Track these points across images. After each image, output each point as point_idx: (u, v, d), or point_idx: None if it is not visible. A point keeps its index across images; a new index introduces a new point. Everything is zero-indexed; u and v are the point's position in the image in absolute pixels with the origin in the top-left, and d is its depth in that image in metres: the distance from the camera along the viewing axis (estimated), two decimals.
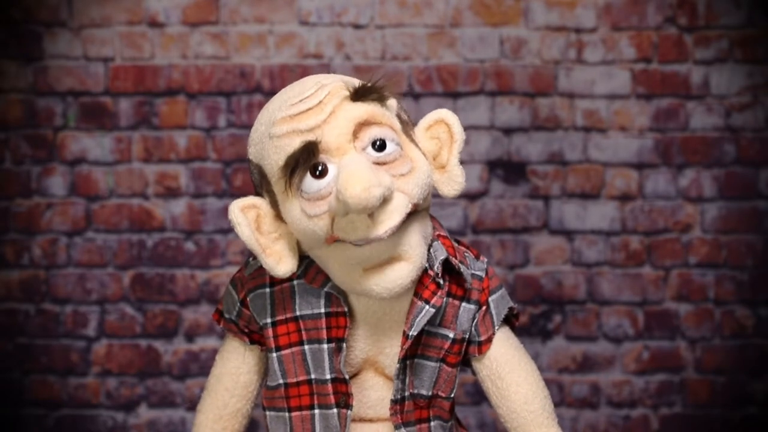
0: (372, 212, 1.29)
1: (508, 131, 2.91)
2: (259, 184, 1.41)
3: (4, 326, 2.91)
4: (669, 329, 2.92)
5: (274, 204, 1.39)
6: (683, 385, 2.91)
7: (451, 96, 2.89)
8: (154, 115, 2.92)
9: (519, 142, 2.91)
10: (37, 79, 2.91)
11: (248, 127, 2.88)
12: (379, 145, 1.34)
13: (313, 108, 1.34)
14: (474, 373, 1.52)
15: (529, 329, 2.90)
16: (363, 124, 1.34)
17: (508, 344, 1.50)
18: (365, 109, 1.35)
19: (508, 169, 2.91)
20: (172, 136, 2.92)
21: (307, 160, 1.32)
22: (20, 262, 2.92)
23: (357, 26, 2.92)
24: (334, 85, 1.37)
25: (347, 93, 1.36)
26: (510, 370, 1.48)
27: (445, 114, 1.43)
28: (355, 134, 1.34)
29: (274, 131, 1.35)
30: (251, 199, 1.39)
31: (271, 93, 2.69)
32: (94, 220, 2.92)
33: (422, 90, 2.88)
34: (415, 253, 1.36)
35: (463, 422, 1.66)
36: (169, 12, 2.91)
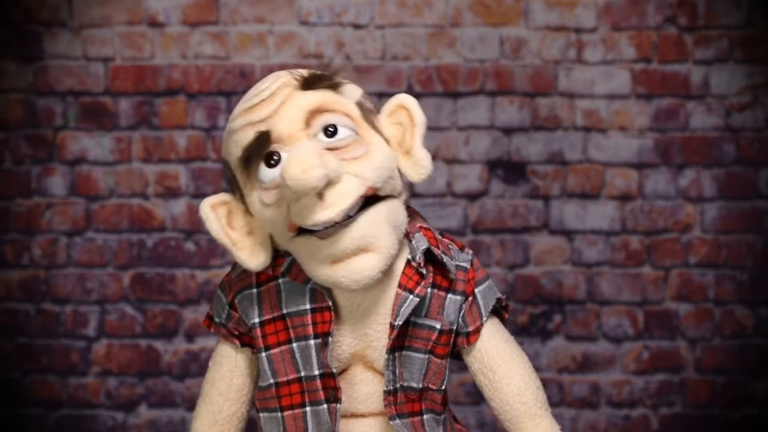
0: (321, 195, 1.31)
1: (508, 131, 2.91)
2: (230, 181, 1.44)
3: (4, 326, 2.91)
4: (669, 329, 2.92)
5: (243, 199, 1.41)
6: (683, 385, 2.91)
7: (451, 96, 2.89)
8: (154, 115, 2.92)
9: (519, 142, 2.91)
10: (37, 79, 2.91)
11: None
12: (331, 132, 1.35)
13: (265, 100, 1.37)
14: (466, 366, 1.52)
15: (529, 329, 2.90)
16: (315, 112, 1.36)
17: (498, 336, 1.49)
18: (315, 97, 1.37)
19: (508, 169, 2.91)
20: (172, 136, 2.92)
21: (260, 150, 1.34)
22: (20, 262, 2.92)
23: (357, 26, 2.92)
24: (287, 77, 1.39)
25: (296, 83, 1.38)
26: (501, 362, 1.48)
27: (404, 99, 1.43)
28: (308, 122, 1.35)
29: (232, 126, 1.39)
30: (221, 196, 1.42)
31: None
32: (94, 220, 2.93)
33: (422, 90, 2.88)
34: (382, 243, 1.36)
35: (463, 422, 1.66)
36: (169, 12, 2.91)
